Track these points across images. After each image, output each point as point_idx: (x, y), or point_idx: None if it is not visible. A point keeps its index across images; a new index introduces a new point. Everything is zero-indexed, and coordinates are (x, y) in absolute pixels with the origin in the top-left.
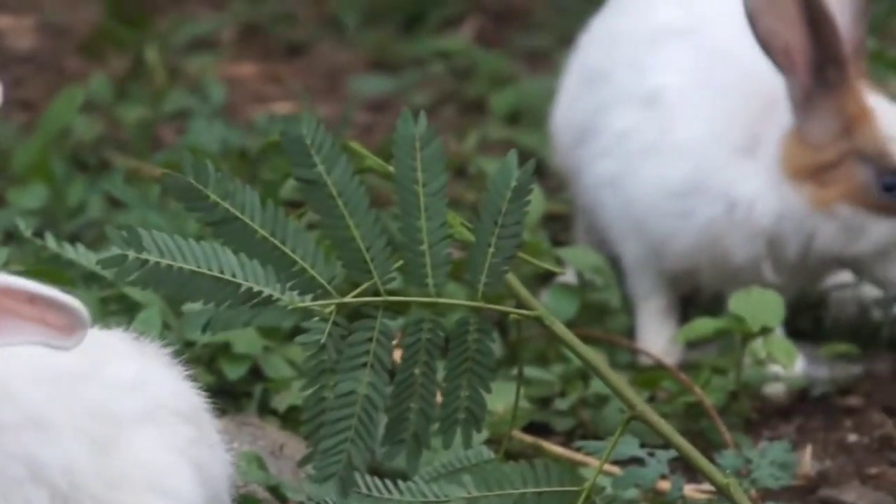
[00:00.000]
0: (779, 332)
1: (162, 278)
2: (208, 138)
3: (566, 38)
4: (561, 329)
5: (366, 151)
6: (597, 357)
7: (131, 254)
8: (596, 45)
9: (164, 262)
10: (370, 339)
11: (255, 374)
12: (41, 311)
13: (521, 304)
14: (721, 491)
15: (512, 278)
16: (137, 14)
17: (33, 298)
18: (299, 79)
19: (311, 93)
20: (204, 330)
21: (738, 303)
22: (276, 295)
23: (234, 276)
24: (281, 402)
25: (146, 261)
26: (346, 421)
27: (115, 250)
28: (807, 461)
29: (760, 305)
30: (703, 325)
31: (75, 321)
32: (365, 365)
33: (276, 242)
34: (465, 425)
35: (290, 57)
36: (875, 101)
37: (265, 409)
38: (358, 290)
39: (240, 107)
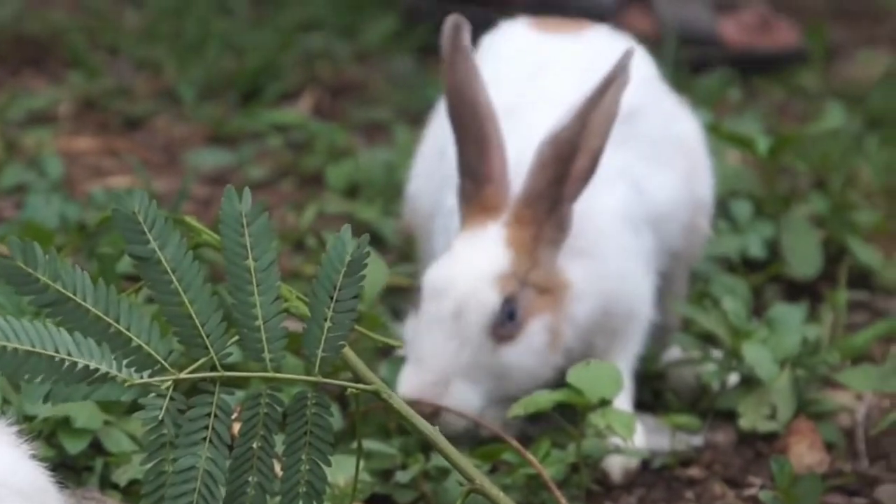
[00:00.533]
0: (625, 403)
1: None
2: (46, 213)
3: (403, 111)
4: (398, 402)
5: (200, 226)
6: (434, 431)
7: None
8: (440, 119)
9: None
10: (208, 414)
11: (96, 447)
12: None
13: (358, 378)
14: None
15: (349, 352)
16: None
17: None
18: (137, 152)
19: (148, 166)
20: (44, 401)
21: (576, 375)
22: (113, 372)
23: (69, 354)
24: (122, 475)
25: None
26: (187, 496)
27: None
28: None
29: (599, 377)
30: (542, 399)
31: None
32: (204, 440)
33: (110, 321)
34: (307, 499)
35: (128, 130)
36: None
37: (106, 483)
38: (195, 365)
39: (78, 181)
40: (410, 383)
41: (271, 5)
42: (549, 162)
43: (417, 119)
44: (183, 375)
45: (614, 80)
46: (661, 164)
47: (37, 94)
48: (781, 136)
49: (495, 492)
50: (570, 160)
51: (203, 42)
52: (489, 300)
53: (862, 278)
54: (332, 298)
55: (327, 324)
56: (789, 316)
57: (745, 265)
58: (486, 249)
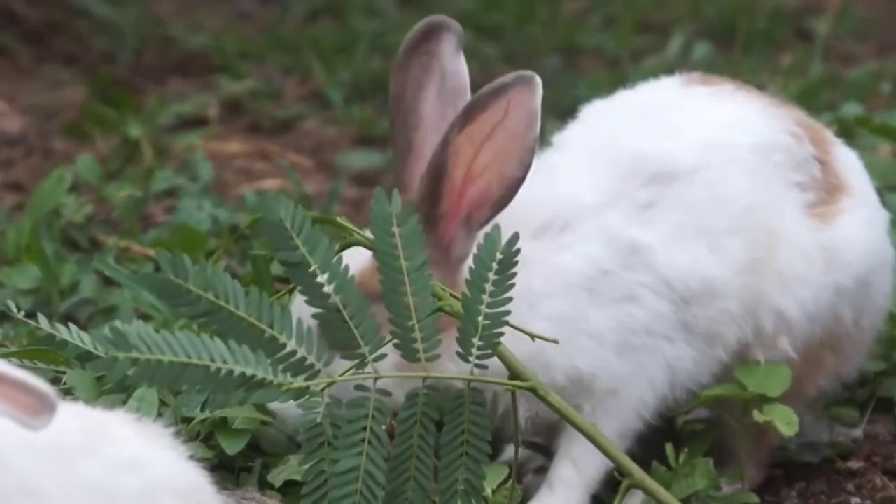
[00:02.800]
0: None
1: (154, 373)
2: (198, 216)
3: (552, 110)
4: (555, 399)
5: (352, 226)
6: (591, 425)
7: (121, 355)
8: None
9: (155, 357)
10: (366, 416)
11: (254, 448)
12: (8, 391)
13: (514, 376)
14: None
15: (504, 349)
16: (122, 94)
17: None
18: (287, 155)
19: (298, 169)
20: (202, 409)
21: (743, 371)
22: (269, 377)
23: (224, 362)
24: (278, 476)
25: (137, 359)
26: (350, 497)
27: (101, 350)
28: None
29: (766, 376)
30: (706, 394)
31: (42, 403)
32: (363, 440)
33: (263, 326)
34: (465, 497)
35: (277, 133)
36: None
37: (264, 483)
38: (349, 367)
39: (229, 184)
40: None
41: (419, 6)
42: (423, 179)
43: (566, 117)
44: (339, 378)
45: (477, 105)
46: (694, 238)
47: (185, 98)
48: None
49: (654, 486)
50: (439, 180)
51: (351, 44)
52: None
53: None
54: (485, 296)
55: (482, 321)
56: None
57: None
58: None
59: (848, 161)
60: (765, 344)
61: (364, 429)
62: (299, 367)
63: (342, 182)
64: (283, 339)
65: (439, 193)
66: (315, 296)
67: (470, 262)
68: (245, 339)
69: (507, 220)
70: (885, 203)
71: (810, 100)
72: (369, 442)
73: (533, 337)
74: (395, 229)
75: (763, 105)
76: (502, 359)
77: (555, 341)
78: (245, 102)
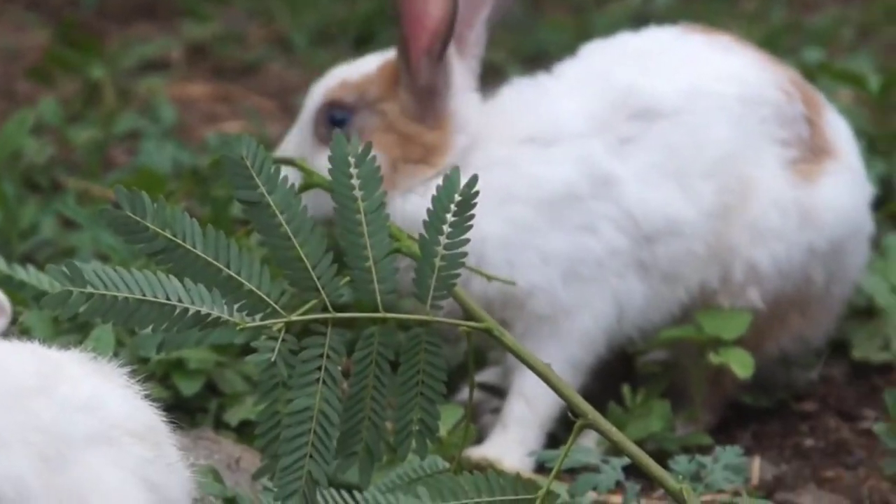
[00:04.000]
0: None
1: (108, 310)
2: (159, 159)
3: (516, 53)
4: (510, 340)
5: (311, 168)
6: (546, 366)
7: (75, 290)
8: None
9: (110, 293)
10: (321, 355)
11: (210, 388)
12: None
13: (469, 317)
14: (674, 496)
15: (460, 291)
16: (86, 38)
17: None
18: (250, 99)
19: (261, 112)
20: (158, 351)
21: (705, 315)
22: (225, 316)
23: (180, 300)
24: (234, 416)
25: (91, 294)
26: (303, 437)
27: (57, 288)
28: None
29: (726, 320)
30: (664, 335)
31: None
32: (317, 380)
33: (221, 266)
34: (419, 437)
35: (241, 77)
36: None
37: (220, 424)
38: (306, 307)
39: (191, 127)
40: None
41: None
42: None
43: (530, 61)
44: (294, 317)
45: None
46: (668, 178)
47: (148, 41)
48: (893, 72)
49: (607, 425)
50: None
51: None
52: (316, 98)
53: None
54: (442, 237)
55: (438, 262)
56: None
57: None
58: (362, 63)
59: (838, 126)
60: (733, 293)
61: (318, 368)
62: (256, 307)
63: None
64: (240, 278)
65: (398, 17)
66: (272, 235)
67: (429, 202)
68: (202, 277)
69: (500, 125)
70: None
71: (772, 45)
72: (324, 382)
73: (490, 278)
74: (353, 170)
75: (758, 59)
76: (458, 300)
77: (512, 283)
78: (209, 46)
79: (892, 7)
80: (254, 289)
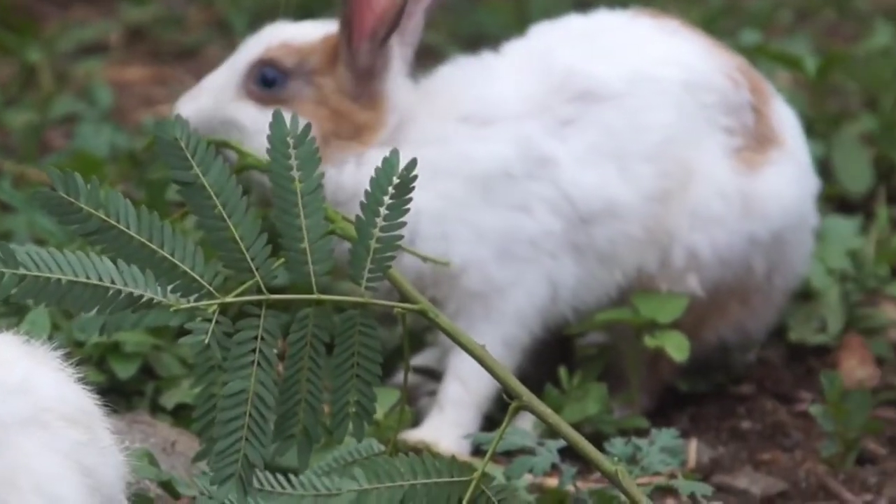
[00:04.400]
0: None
1: (41, 291)
2: (96, 142)
3: (454, 35)
4: (444, 321)
5: (246, 149)
6: (481, 348)
7: (7, 271)
8: None
9: (42, 275)
10: (255, 338)
11: (147, 372)
12: None
13: (405, 299)
14: (610, 479)
15: (395, 272)
16: (23, 20)
17: None
18: (187, 82)
19: None
20: (100, 333)
21: (640, 297)
22: (158, 298)
23: (112, 282)
24: (170, 399)
25: (24, 276)
26: (239, 420)
27: None
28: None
29: (661, 303)
30: (600, 317)
31: None
32: (252, 363)
33: (154, 247)
34: (356, 419)
35: (180, 60)
36: None
37: (156, 407)
38: (240, 289)
39: (128, 110)
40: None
41: None
42: None
43: (469, 43)
44: (228, 299)
45: None
46: (607, 161)
47: (86, 24)
48: (830, 54)
49: (543, 408)
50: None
51: None
52: (252, 50)
53: None
54: (378, 219)
55: (374, 244)
56: (839, 229)
57: None
58: (312, 27)
59: (784, 116)
60: (672, 278)
61: (253, 351)
62: (190, 289)
63: None
64: (174, 260)
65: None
66: (207, 216)
67: (367, 184)
68: (136, 259)
69: (437, 103)
70: None
71: (710, 27)
72: (258, 364)
73: (424, 259)
74: (292, 151)
75: (705, 46)
76: (393, 282)
77: (446, 263)
78: (147, 29)
79: None
80: (188, 270)
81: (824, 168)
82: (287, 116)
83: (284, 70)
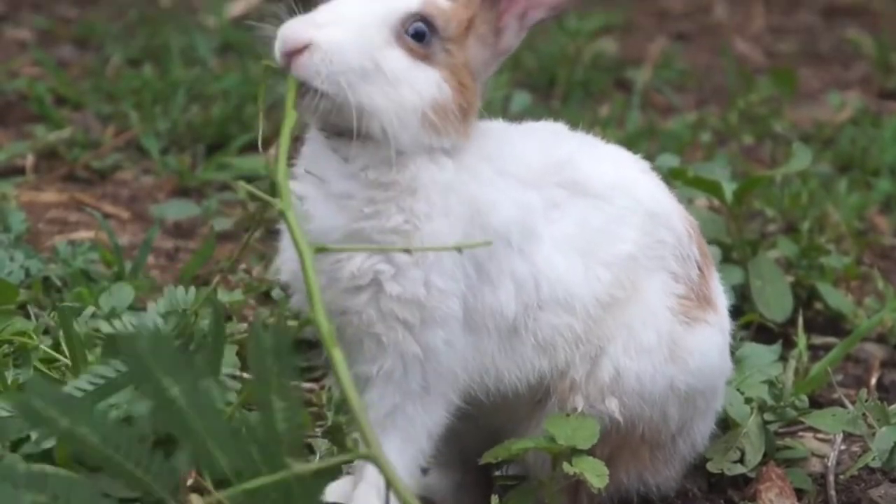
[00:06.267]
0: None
1: None
2: (9, 268)
3: None
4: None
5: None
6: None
7: None
8: None
9: None
10: None
11: None
12: None
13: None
14: None
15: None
16: None
17: None
18: (102, 206)
19: (114, 219)
20: None
21: (553, 423)
22: None
23: None
24: None
25: None
26: None
27: None
28: None
29: (576, 428)
30: (515, 445)
31: None
32: None
33: None
34: None
35: (94, 183)
36: None
37: None
38: None
39: (42, 234)
40: (290, 21)
41: (238, 54)
42: None
43: None
44: None
45: None
46: (577, 254)
47: (0, 148)
48: (748, 180)
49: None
50: None
51: (169, 93)
52: (414, 1)
53: (831, 323)
54: None
55: None
56: (758, 357)
57: None
58: None
59: (719, 287)
60: (592, 394)
61: None
62: None
63: (155, 233)
64: None
65: None
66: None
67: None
68: None
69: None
70: None
71: (629, 150)
72: None
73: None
74: (272, 363)
75: (667, 191)
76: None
77: (408, 251)
78: (61, 151)
79: (749, 112)
80: None
81: (742, 295)
82: (434, 78)
83: (434, 29)
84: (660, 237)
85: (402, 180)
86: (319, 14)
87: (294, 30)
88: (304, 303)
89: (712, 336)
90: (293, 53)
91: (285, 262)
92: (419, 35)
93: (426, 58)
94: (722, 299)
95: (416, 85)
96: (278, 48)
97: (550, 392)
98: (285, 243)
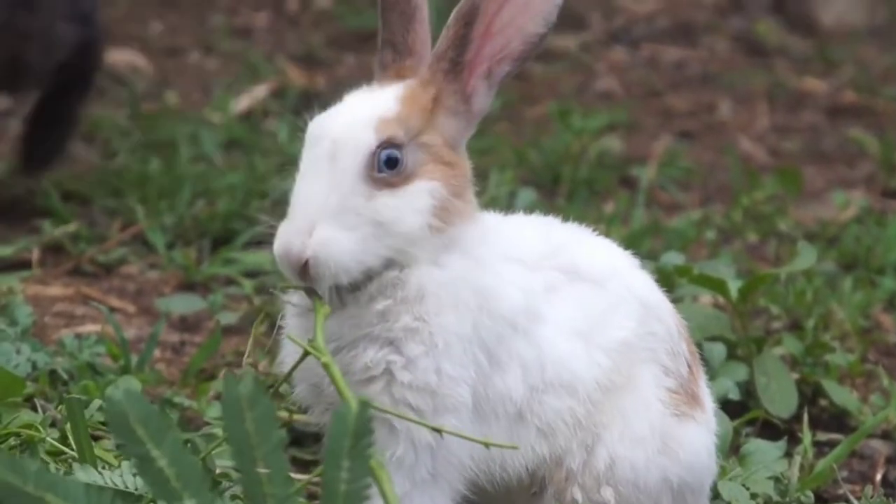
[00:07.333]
0: None
1: None
2: (16, 361)
3: None
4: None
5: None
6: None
7: None
8: None
9: None
10: None
11: None
12: None
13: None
14: None
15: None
16: None
17: None
18: (108, 300)
19: (119, 313)
20: None
21: None
22: None
23: None
24: None
25: None
26: None
27: None
28: None
29: None
30: None
31: None
32: None
33: None
34: None
35: (99, 277)
36: None
37: None
38: None
39: (48, 328)
40: (279, 236)
41: (244, 151)
42: (449, 28)
43: None
44: None
45: None
46: (578, 337)
47: (7, 242)
48: (753, 277)
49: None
50: (470, 22)
51: (176, 188)
52: (364, 139)
53: (836, 419)
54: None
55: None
56: (764, 453)
57: (722, 408)
58: (374, 99)
59: (706, 387)
60: (588, 484)
61: None
62: None
63: (162, 326)
64: None
65: (467, 39)
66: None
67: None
68: None
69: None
70: (703, 353)
71: (633, 248)
72: None
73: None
74: (247, 413)
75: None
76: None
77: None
78: (67, 246)
79: (753, 210)
80: None
81: (747, 392)
82: (424, 189)
83: (399, 143)
84: (652, 329)
85: (409, 295)
86: (297, 215)
87: (288, 250)
88: (308, 395)
89: (701, 434)
90: (298, 270)
91: (288, 356)
92: (392, 161)
93: (408, 177)
94: (709, 400)
95: (414, 207)
96: (283, 268)
97: (546, 483)
98: (286, 340)
